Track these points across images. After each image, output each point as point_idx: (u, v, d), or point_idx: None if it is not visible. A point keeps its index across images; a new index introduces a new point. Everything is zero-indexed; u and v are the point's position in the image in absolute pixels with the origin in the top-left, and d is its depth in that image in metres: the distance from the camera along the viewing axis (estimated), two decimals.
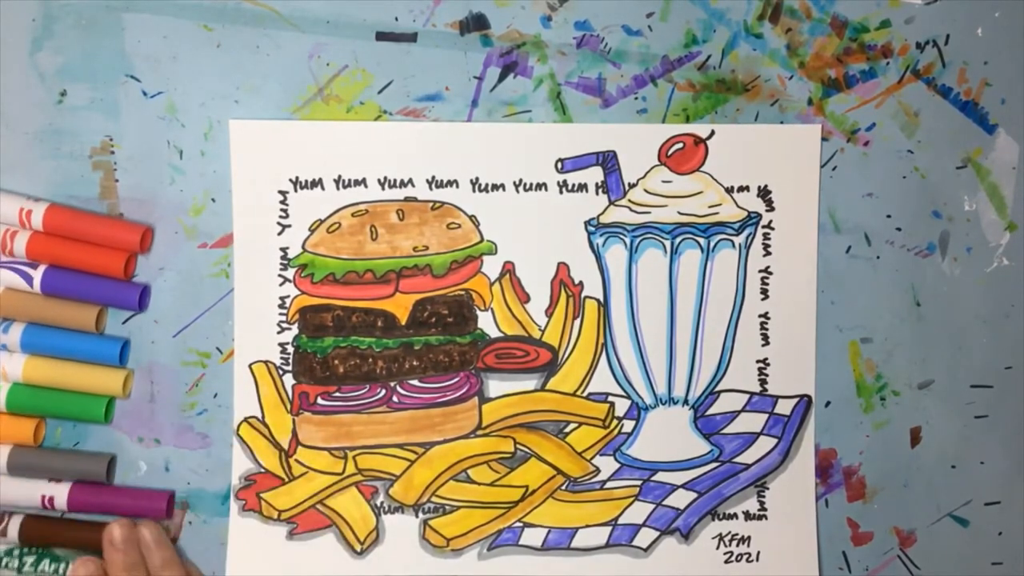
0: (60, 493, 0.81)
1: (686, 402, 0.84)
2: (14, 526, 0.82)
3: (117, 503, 0.82)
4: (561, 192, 0.82)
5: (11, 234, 0.80)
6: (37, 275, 0.80)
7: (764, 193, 0.83)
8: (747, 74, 0.83)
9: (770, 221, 0.83)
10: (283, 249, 0.82)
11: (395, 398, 0.82)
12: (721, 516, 0.85)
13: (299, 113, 0.82)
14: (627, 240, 0.82)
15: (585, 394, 0.84)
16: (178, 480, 0.83)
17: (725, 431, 0.84)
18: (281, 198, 0.82)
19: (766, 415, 0.84)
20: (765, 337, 0.84)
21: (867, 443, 0.85)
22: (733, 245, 0.83)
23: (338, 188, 0.82)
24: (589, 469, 0.84)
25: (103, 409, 0.82)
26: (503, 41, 0.83)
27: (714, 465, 0.84)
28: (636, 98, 0.83)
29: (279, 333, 0.82)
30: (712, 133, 0.83)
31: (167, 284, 0.82)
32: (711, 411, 0.84)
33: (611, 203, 0.83)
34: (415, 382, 0.82)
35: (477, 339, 0.83)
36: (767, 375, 0.84)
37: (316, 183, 0.82)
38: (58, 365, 0.81)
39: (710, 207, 0.83)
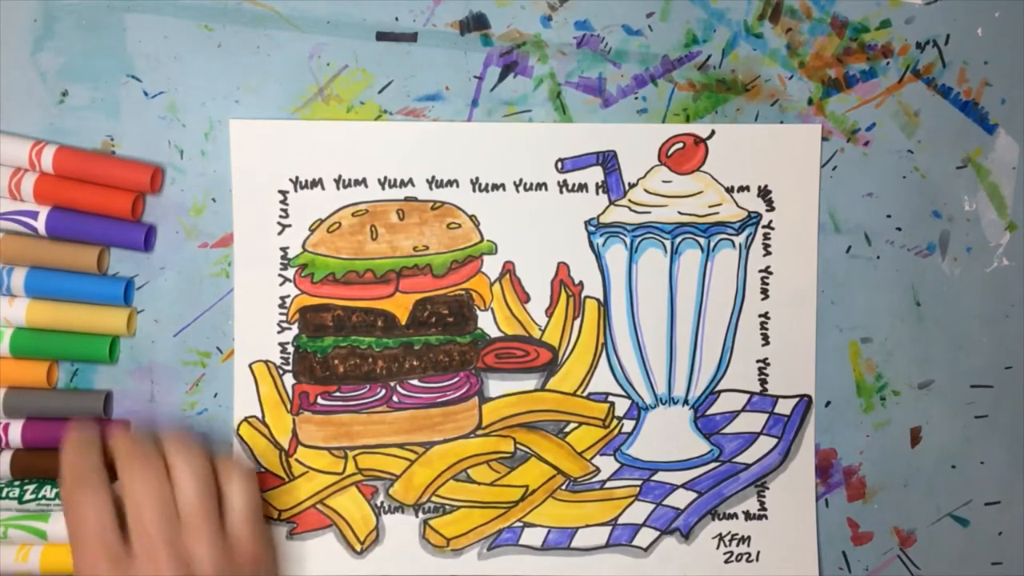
0: (14, 429, 0.81)
1: (686, 402, 0.84)
2: (4, 461, 0.81)
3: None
4: (561, 192, 0.83)
5: (18, 177, 0.80)
6: (41, 218, 0.80)
7: (764, 193, 0.83)
8: (747, 74, 0.83)
9: (770, 221, 0.83)
10: (283, 249, 0.82)
11: (395, 398, 0.82)
12: (721, 516, 0.85)
13: (299, 113, 0.82)
14: (627, 240, 0.82)
15: (585, 394, 0.84)
16: None
17: (725, 431, 0.84)
18: (281, 198, 0.82)
19: (766, 415, 0.84)
20: (765, 337, 0.84)
21: (867, 443, 0.85)
22: (733, 245, 0.83)
23: (338, 188, 0.82)
24: (589, 469, 0.84)
25: (107, 348, 0.81)
26: (503, 41, 0.83)
27: (714, 465, 0.84)
28: (636, 98, 0.83)
29: (279, 333, 0.82)
30: (712, 133, 0.83)
31: (167, 284, 0.82)
32: (711, 411, 0.84)
33: (611, 203, 0.83)
34: (415, 382, 0.82)
35: (477, 339, 0.83)
36: (767, 375, 0.84)
37: (316, 183, 0.82)
38: (61, 307, 0.81)
39: (710, 207, 0.83)
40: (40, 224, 0.80)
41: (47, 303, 0.81)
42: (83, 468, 0.75)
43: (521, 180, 0.82)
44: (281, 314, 0.82)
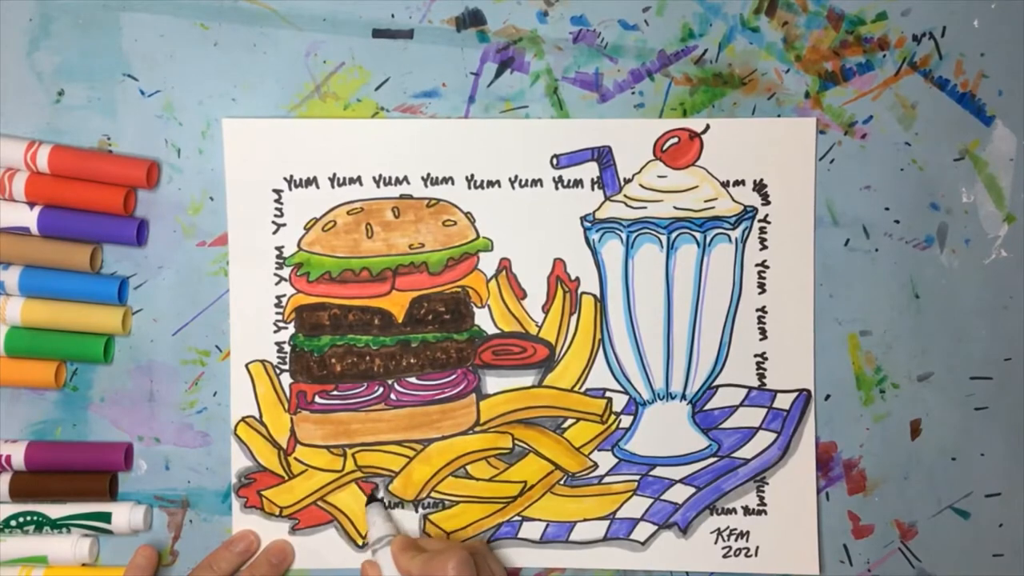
0: (16, 452, 0.82)
1: (684, 397, 0.84)
2: (2, 484, 0.82)
3: (74, 458, 0.82)
4: (557, 188, 0.82)
5: (10, 175, 0.81)
6: (33, 217, 0.80)
7: (760, 187, 0.83)
8: (744, 68, 0.83)
9: (766, 215, 0.83)
10: (278, 248, 0.82)
11: (393, 396, 0.83)
12: (720, 511, 0.84)
13: (296, 111, 0.82)
14: (623, 235, 0.82)
15: (583, 390, 0.84)
16: (178, 479, 0.83)
17: (724, 426, 0.84)
18: (276, 197, 0.82)
19: (765, 409, 0.84)
20: (763, 331, 0.84)
21: (867, 436, 0.85)
22: (729, 239, 0.83)
23: (333, 186, 0.82)
24: (587, 464, 0.84)
25: (102, 348, 0.82)
26: (500, 37, 0.83)
27: (713, 460, 0.84)
28: (633, 92, 0.83)
29: (275, 332, 0.83)
30: (707, 127, 0.82)
31: (166, 282, 0.83)
32: (709, 406, 0.84)
33: (607, 198, 0.83)
34: (413, 379, 0.83)
35: (474, 336, 0.83)
36: (765, 369, 0.84)
37: (311, 181, 0.82)
38: (56, 306, 0.81)
39: (706, 201, 0.83)
40: (32, 223, 0.80)
41: (42, 302, 0.81)
42: None
43: (516, 176, 0.82)
44: (277, 313, 0.82)
